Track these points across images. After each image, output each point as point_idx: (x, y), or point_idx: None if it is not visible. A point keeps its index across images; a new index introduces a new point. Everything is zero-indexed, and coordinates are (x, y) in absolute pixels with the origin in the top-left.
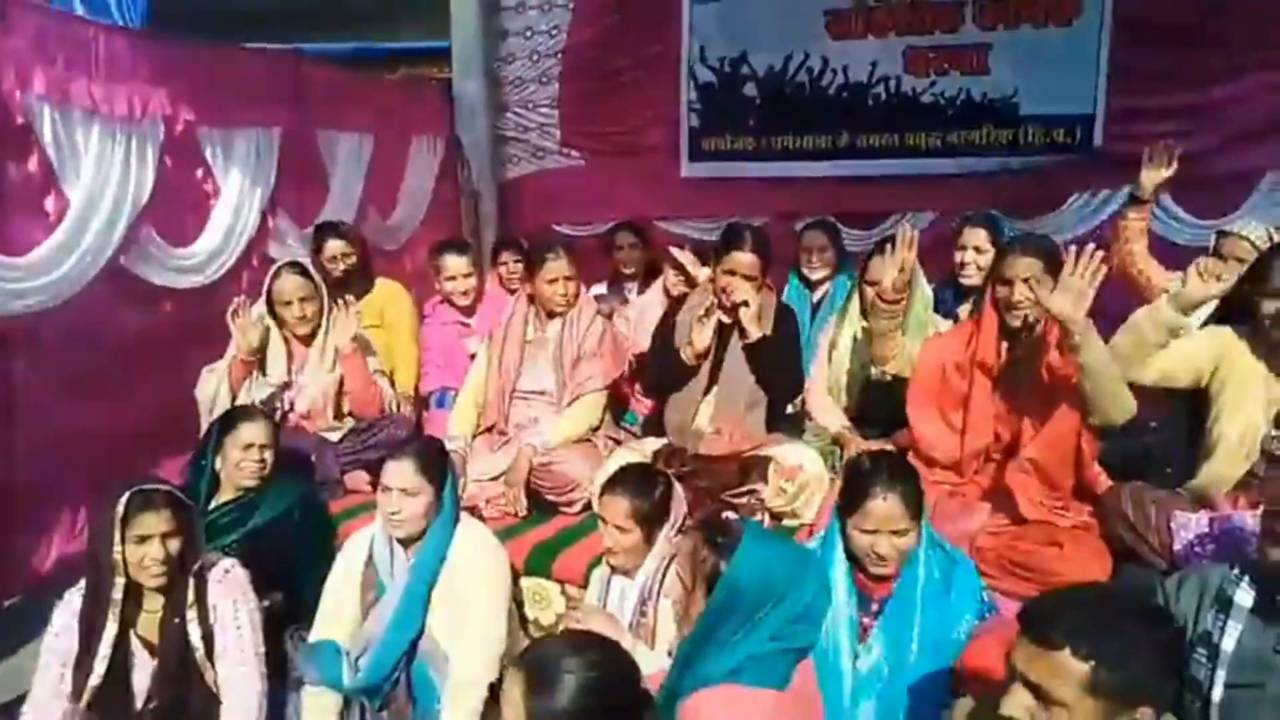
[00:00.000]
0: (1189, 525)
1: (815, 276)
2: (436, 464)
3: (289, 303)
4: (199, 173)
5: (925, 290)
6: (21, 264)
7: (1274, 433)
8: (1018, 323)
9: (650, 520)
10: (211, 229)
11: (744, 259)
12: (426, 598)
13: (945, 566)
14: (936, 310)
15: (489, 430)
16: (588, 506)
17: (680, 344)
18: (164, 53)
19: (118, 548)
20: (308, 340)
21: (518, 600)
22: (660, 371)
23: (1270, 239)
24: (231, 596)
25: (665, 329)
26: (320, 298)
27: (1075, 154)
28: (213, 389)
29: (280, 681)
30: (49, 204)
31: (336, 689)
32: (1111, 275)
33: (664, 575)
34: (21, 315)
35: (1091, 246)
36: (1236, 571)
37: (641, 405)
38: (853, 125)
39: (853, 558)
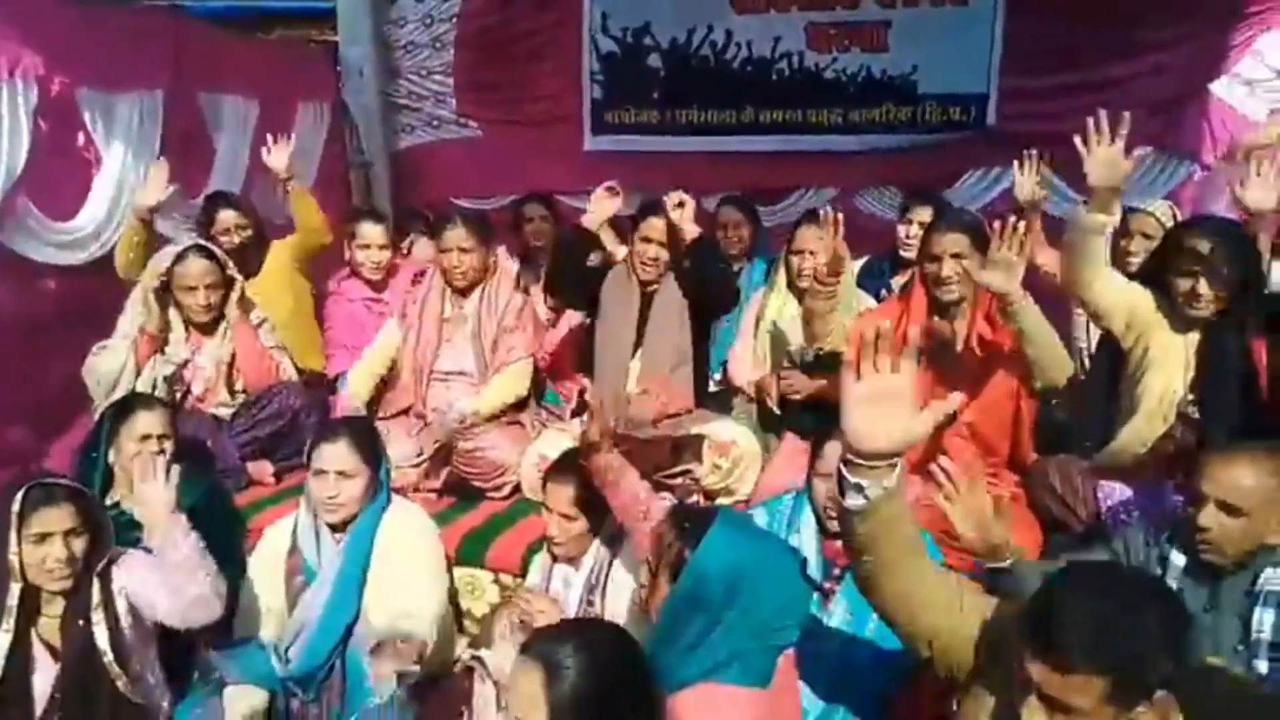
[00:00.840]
0: (1114, 493)
1: (732, 252)
2: (370, 444)
3: (193, 288)
4: (79, 140)
5: (848, 273)
6: None
7: (1189, 397)
8: (949, 297)
9: (594, 507)
10: (93, 201)
11: (658, 225)
12: (361, 581)
13: None
14: (870, 280)
15: (404, 413)
16: (515, 490)
17: (606, 311)
18: (32, 8)
19: (13, 549)
20: (209, 329)
21: (451, 591)
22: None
23: (1174, 217)
24: (136, 573)
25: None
26: (226, 284)
27: (970, 131)
28: (114, 366)
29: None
30: None
31: (261, 685)
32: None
33: (610, 564)
34: None
35: (1014, 219)
36: (1166, 535)
37: (563, 388)
38: (756, 100)
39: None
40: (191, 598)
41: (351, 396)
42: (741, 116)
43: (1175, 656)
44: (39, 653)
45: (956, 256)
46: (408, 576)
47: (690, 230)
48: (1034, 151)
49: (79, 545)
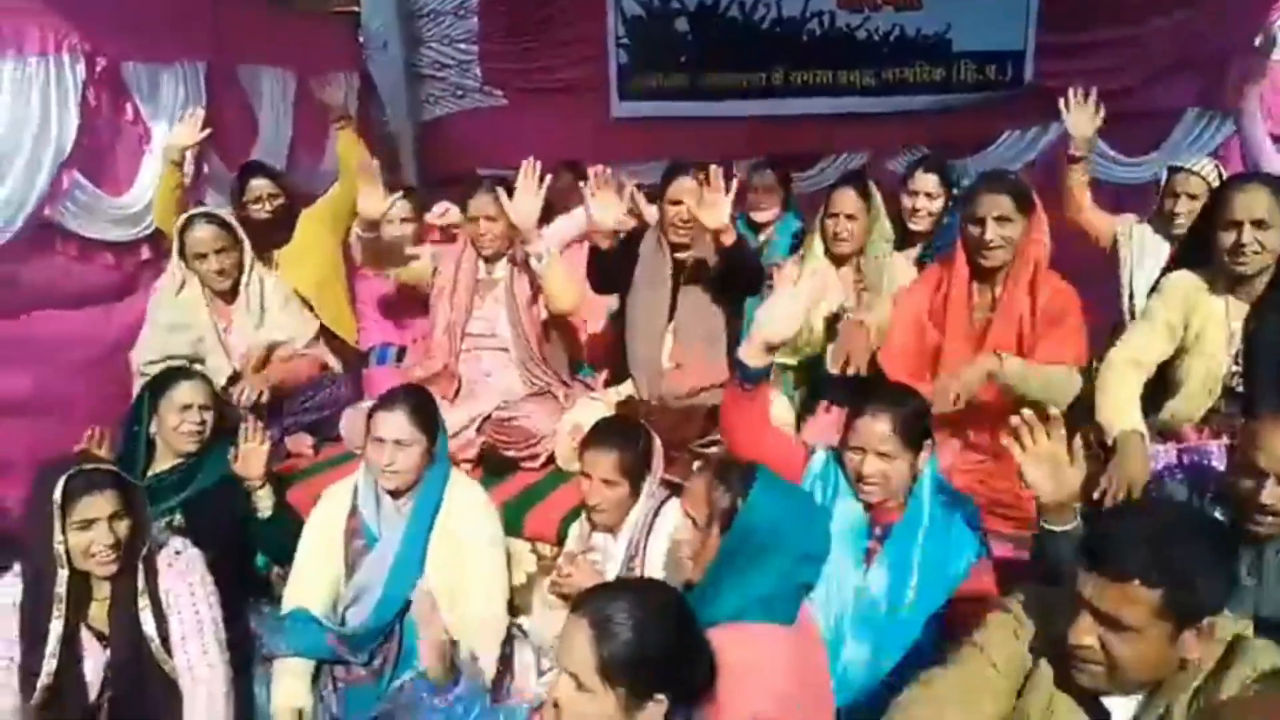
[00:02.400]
0: (1158, 456)
1: (762, 219)
2: (428, 413)
3: (204, 255)
4: (128, 114)
5: (884, 226)
6: None
7: (1235, 368)
8: (991, 263)
9: (635, 473)
10: (145, 175)
11: (689, 184)
12: (424, 552)
13: (949, 508)
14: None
15: (435, 376)
16: (549, 461)
17: (638, 281)
18: None
19: (59, 536)
20: (229, 296)
21: None
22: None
23: (1220, 175)
24: (186, 580)
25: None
26: (239, 248)
27: (1006, 90)
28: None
29: (242, 658)
30: None
31: (309, 656)
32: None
33: (649, 529)
34: None
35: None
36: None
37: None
38: (786, 62)
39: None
40: None
41: None
42: (771, 79)
43: (1226, 581)
44: (87, 639)
45: (1000, 219)
46: (476, 543)
47: (722, 223)
48: (1080, 90)
49: (123, 529)
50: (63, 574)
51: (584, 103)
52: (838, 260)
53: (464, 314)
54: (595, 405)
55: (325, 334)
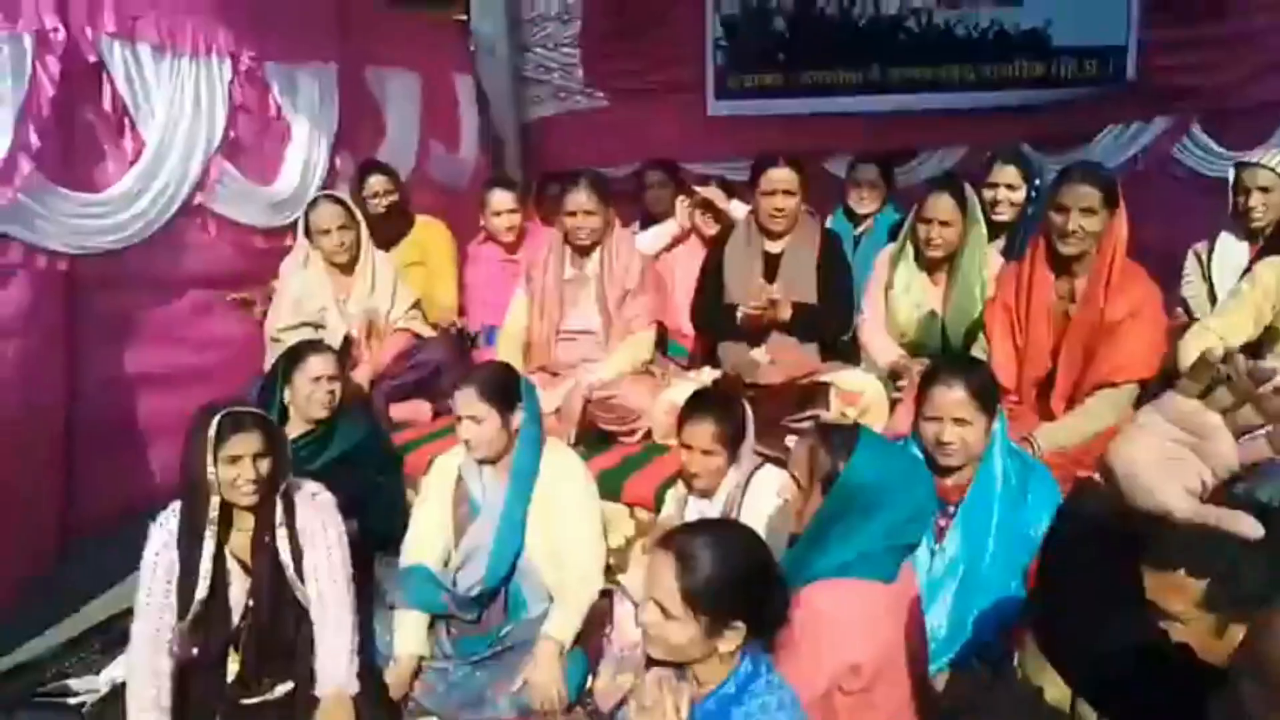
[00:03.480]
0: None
1: (864, 210)
2: (500, 388)
3: (327, 231)
4: (271, 112)
5: (979, 228)
6: (101, 199)
7: None
8: (1070, 250)
9: (731, 442)
10: (287, 169)
11: (781, 174)
12: (524, 517)
13: (1021, 473)
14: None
15: (539, 370)
16: (646, 436)
17: (729, 281)
18: None
19: (211, 469)
20: (348, 269)
21: None
22: (711, 313)
23: None
24: (320, 518)
25: (711, 268)
26: (356, 227)
27: (1108, 86)
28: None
29: (367, 605)
30: (126, 143)
31: (425, 610)
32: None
33: (744, 493)
34: (105, 252)
35: None
36: None
37: (687, 339)
38: (883, 59)
39: (928, 459)
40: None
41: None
42: (868, 76)
43: (1272, 574)
44: (233, 566)
45: (1085, 211)
46: (573, 509)
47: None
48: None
49: (265, 466)
50: (214, 500)
51: (682, 102)
52: (930, 265)
53: (557, 312)
54: (690, 384)
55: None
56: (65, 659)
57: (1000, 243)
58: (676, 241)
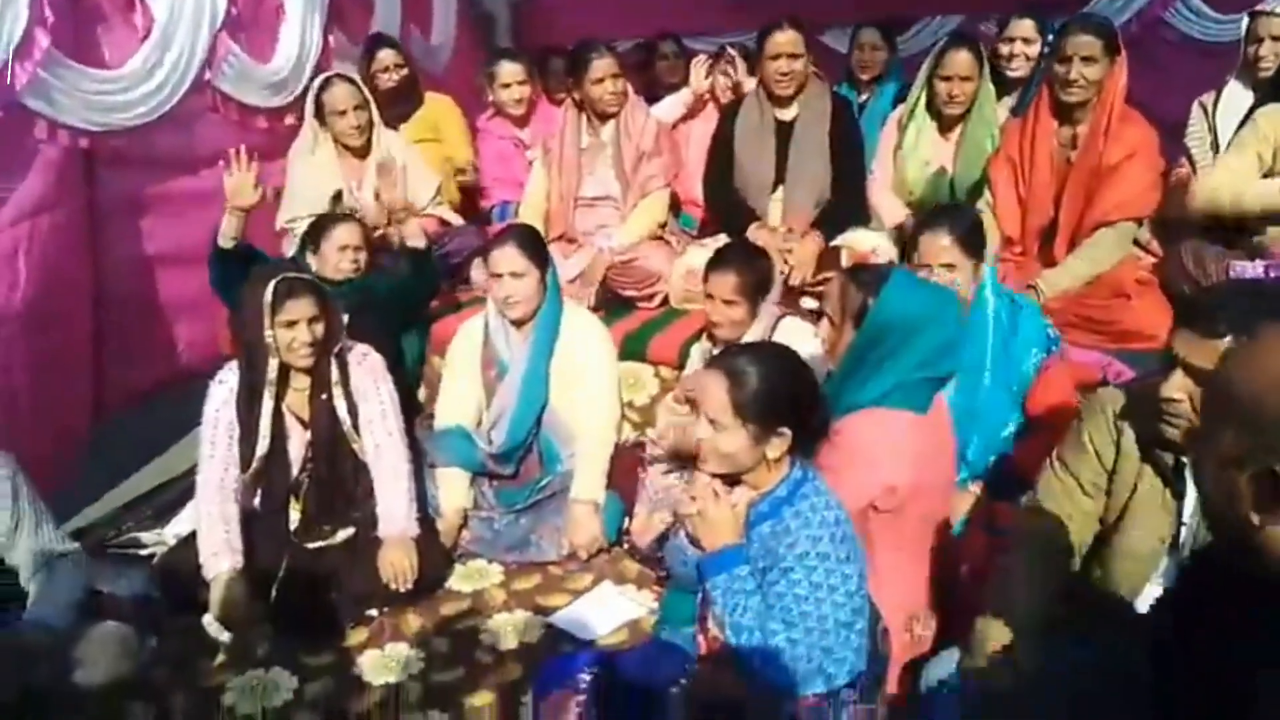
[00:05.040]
0: (1246, 270)
1: (867, 76)
2: (537, 246)
3: (342, 112)
4: None
5: (989, 86)
6: (116, 75)
7: None
8: (1072, 99)
9: (753, 294)
10: (284, 46)
11: (785, 36)
12: (546, 372)
13: (1011, 311)
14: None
15: (558, 239)
16: (664, 301)
17: (740, 153)
18: None
19: (269, 331)
20: (361, 153)
21: None
22: (720, 191)
23: None
24: (372, 376)
25: (721, 140)
26: (369, 107)
27: None
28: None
29: (419, 459)
30: (136, 19)
31: (465, 468)
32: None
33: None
34: (124, 130)
35: None
36: None
37: (697, 209)
38: None
39: None
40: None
41: None
42: None
43: None
44: (291, 422)
45: (1087, 60)
46: (590, 367)
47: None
48: None
49: (319, 330)
50: (273, 362)
51: None
52: (946, 122)
53: (575, 180)
54: (705, 249)
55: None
56: (121, 523)
57: (1010, 100)
58: (691, 113)
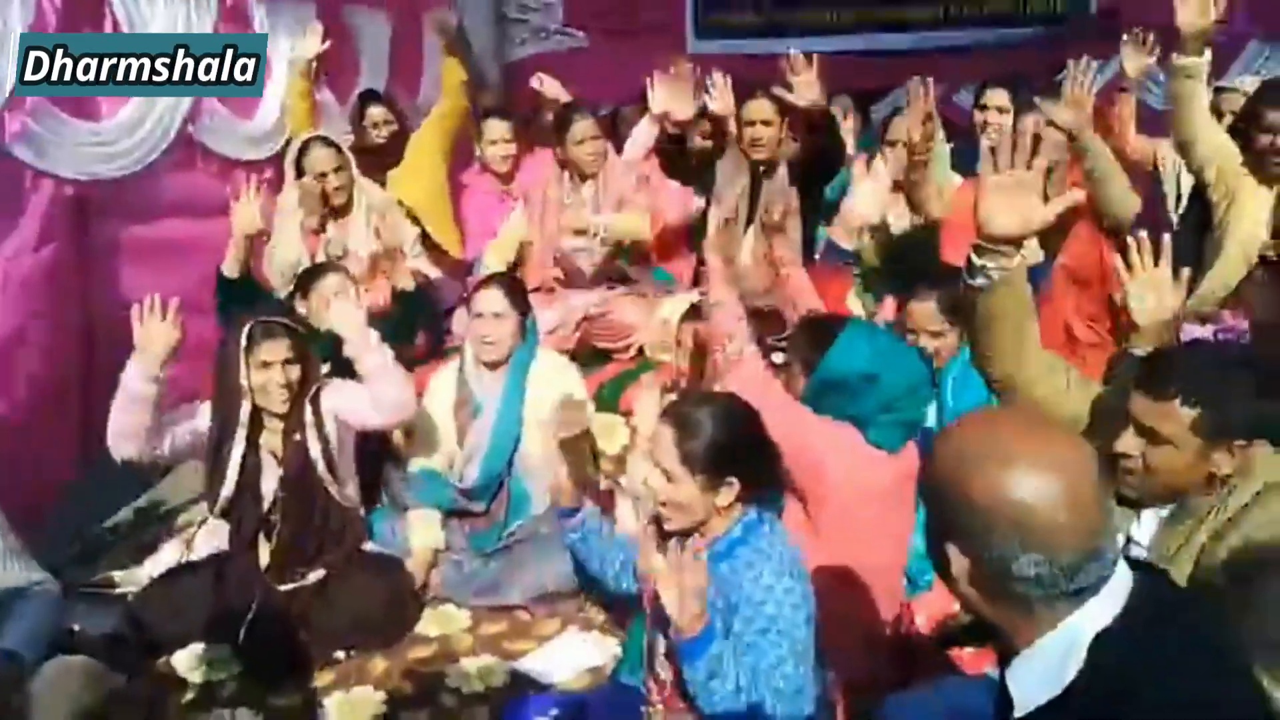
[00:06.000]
0: (1195, 333)
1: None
2: (520, 292)
3: (323, 174)
4: None
5: (943, 149)
6: (105, 128)
7: (1269, 241)
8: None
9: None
10: (266, 104)
11: (759, 105)
12: (520, 409)
13: None
14: (957, 169)
15: (535, 290)
16: (640, 353)
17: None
18: None
19: (243, 372)
20: (344, 211)
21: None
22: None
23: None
24: (341, 386)
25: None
26: (349, 167)
27: (1072, 22)
28: (292, 256)
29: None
30: None
31: (437, 506)
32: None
33: None
34: (109, 179)
35: (1087, 61)
36: None
37: (673, 267)
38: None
39: None
40: (391, 401)
41: (487, 268)
42: (841, 17)
43: (1260, 411)
44: (266, 459)
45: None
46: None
47: (815, 99)
48: (1142, 30)
49: (294, 373)
50: (245, 404)
51: (661, 42)
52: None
53: (554, 232)
54: (681, 300)
55: (430, 246)
56: (97, 562)
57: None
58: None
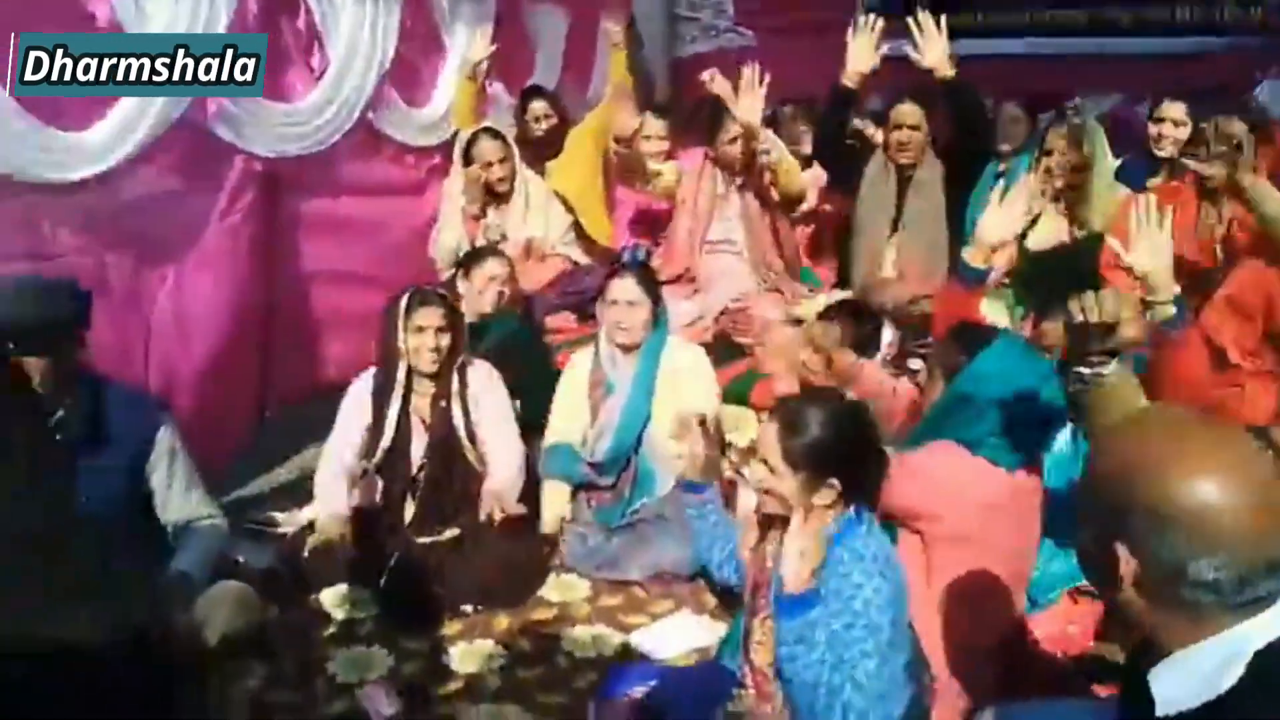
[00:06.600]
0: None
1: (1004, 148)
2: (652, 281)
3: (490, 164)
4: (435, 39)
5: (1108, 162)
6: (294, 109)
7: None
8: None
9: (859, 348)
10: (439, 93)
11: (906, 109)
12: (650, 392)
13: None
14: (1127, 181)
15: (678, 278)
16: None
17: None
18: None
19: (401, 335)
20: (506, 198)
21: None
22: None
23: None
24: (490, 388)
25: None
26: (512, 158)
27: (1268, 34)
28: (454, 240)
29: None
30: (314, 61)
31: (568, 480)
32: None
33: None
34: (293, 157)
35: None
36: None
37: (820, 269)
38: (1038, 2)
39: None
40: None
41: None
42: (1021, 19)
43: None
44: (415, 424)
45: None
46: (688, 390)
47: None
48: None
49: (445, 340)
50: (403, 365)
51: (829, 42)
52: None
53: (705, 224)
54: (817, 301)
55: (581, 236)
56: (263, 504)
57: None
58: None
